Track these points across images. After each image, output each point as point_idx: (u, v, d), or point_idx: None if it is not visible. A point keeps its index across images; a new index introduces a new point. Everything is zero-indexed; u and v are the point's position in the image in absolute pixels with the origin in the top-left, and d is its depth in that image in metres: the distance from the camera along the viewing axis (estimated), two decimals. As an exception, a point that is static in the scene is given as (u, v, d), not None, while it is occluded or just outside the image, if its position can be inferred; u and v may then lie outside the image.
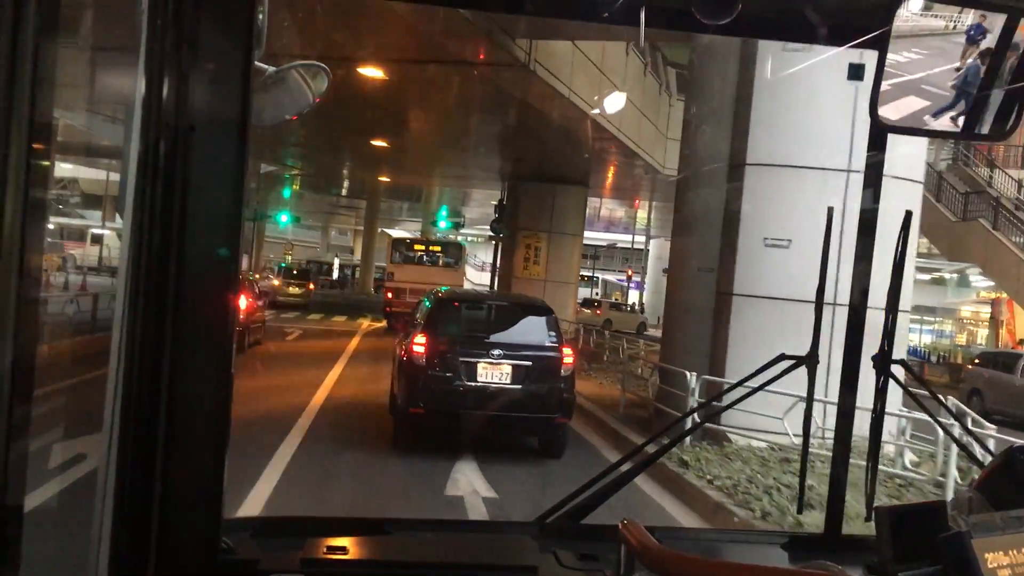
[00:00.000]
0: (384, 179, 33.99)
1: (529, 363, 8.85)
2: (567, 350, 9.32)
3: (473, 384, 8.70)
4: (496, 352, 8.78)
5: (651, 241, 50.90)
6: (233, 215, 0.94)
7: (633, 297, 54.93)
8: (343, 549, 1.39)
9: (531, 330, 9.36)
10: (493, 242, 29.09)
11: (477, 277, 50.95)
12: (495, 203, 28.21)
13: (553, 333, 9.38)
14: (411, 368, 8.85)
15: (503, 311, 10.17)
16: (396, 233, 62.94)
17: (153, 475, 0.90)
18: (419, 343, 8.87)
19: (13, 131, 0.81)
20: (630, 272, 54.27)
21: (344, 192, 46.17)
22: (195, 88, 0.93)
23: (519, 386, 8.75)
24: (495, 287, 27.37)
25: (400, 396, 9.14)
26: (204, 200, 0.93)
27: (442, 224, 41.64)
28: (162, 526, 0.90)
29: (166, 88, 0.93)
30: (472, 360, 8.75)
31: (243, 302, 14.55)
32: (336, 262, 60.28)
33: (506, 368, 8.76)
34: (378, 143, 22.85)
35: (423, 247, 29.58)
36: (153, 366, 0.90)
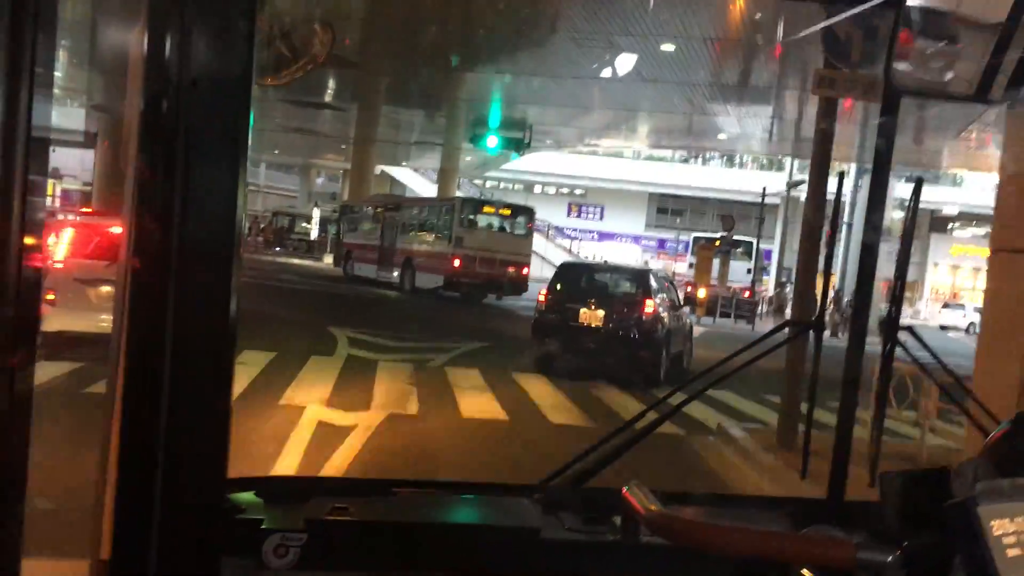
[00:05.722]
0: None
1: (617, 312, 12.72)
2: (648, 301, 12.93)
3: (575, 324, 12.67)
4: (591, 302, 12.76)
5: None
6: (235, 172, 0.93)
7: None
8: (347, 509, 1.39)
9: (623, 288, 13.57)
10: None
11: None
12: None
13: (640, 290, 13.28)
14: (539, 310, 13.50)
15: (605, 274, 14.66)
16: (404, 173, 49.59)
17: (157, 433, 0.90)
18: (543, 294, 13.58)
19: (12, 87, 0.79)
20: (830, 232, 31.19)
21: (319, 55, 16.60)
22: (198, 43, 0.92)
23: (610, 326, 12.58)
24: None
25: (534, 326, 13.63)
26: (205, 156, 0.92)
27: (491, 142, 22.02)
28: (166, 485, 0.90)
29: (168, 42, 0.91)
30: (575, 307, 12.80)
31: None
32: (315, 214, 44.08)
33: (600, 313, 12.66)
34: None
35: (493, 209, 27.06)
36: (156, 323, 0.89)
